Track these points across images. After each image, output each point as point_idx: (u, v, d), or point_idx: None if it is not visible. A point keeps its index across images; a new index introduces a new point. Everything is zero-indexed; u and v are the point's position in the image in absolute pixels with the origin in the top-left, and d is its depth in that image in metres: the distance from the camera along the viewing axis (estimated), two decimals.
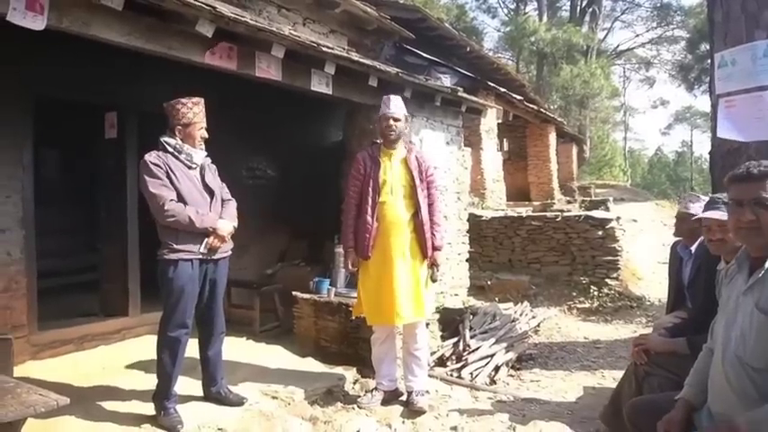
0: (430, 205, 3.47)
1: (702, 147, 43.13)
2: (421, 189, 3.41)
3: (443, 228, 3.59)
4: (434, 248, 3.45)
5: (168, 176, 2.88)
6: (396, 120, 3.39)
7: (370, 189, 3.36)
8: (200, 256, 2.94)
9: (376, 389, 3.50)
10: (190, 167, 2.99)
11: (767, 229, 1.66)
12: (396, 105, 3.42)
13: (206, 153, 3.08)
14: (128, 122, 4.49)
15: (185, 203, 2.88)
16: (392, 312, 3.29)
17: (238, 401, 3.18)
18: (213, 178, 3.12)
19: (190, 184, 2.96)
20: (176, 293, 2.88)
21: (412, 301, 3.33)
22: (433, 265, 3.46)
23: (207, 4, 2.75)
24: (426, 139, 4.96)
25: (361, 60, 3.93)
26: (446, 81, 7.18)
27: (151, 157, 2.90)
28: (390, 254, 3.34)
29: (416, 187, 3.39)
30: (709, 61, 4.04)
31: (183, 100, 2.96)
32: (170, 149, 2.94)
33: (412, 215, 3.40)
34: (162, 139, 2.98)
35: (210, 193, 3.06)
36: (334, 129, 6.48)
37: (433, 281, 3.50)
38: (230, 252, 3.16)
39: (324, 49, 3.53)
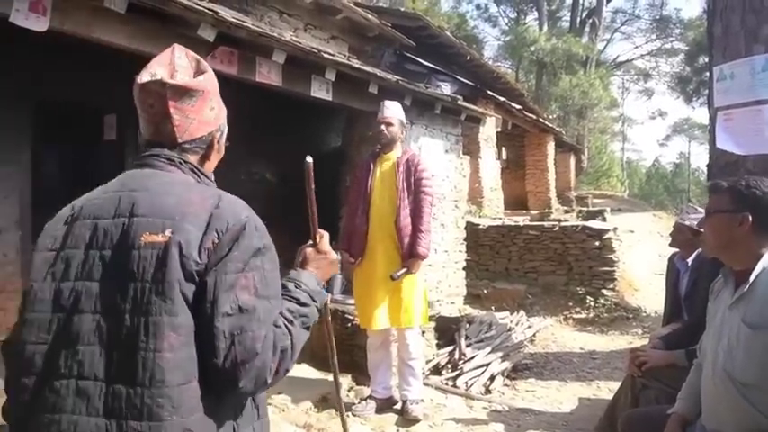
0: (416, 211, 3.35)
1: (700, 159, 43.27)
2: (406, 194, 3.36)
3: (428, 235, 3.38)
4: (414, 255, 3.30)
5: None
6: (388, 124, 3.39)
7: (362, 194, 3.44)
8: None
9: (371, 396, 3.49)
10: None
11: (705, 237, 1.81)
12: (389, 110, 3.41)
13: None
14: (127, 125, 4.49)
15: None
16: (374, 316, 3.32)
17: None
18: None
19: None
20: None
21: (391, 307, 3.33)
22: (405, 267, 3.29)
23: (209, 9, 2.76)
24: (425, 147, 4.97)
25: (361, 67, 3.94)
26: (446, 89, 7.20)
27: None
28: (375, 258, 3.38)
29: (398, 192, 3.37)
30: (707, 74, 4.06)
31: None
32: None
33: (393, 221, 3.39)
34: None
35: None
36: (334, 135, 6.49)
37: (391, 278, 3.27)
38: None
39: (324, 55, 3.54)
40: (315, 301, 1.19)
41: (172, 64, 1.12)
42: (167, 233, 0.98)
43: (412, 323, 3.40)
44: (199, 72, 1.15)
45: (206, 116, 1.15)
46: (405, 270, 3.29)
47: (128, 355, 0.94)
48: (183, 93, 1.10)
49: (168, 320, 0.95)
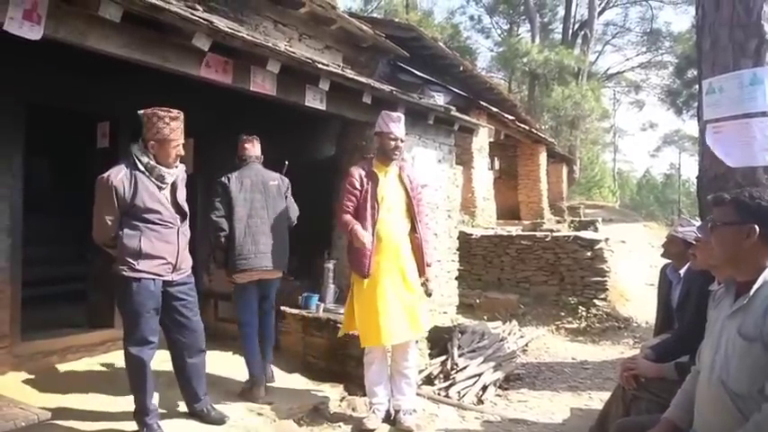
0: (423, 222, 3.51)
1: (690, 170, 43.60)
2: (415, 206, 3.44)
3: (432, 245, 3.66)
4: (428, 265, 3.50)
5: (134, 197, 2.76)
6: (402, 141, 3.44)
7: (368, 206, 3.31)
8: (163, 276, 2.85)
9: (377, 408, 3.40)
10: (160, 188, 2.87)
11: (715, 250, 1.78)
12: (403, 126, 3.46)
13: (177, 167, 2.96)
14: (120, 132, 4.47)
15: (152, 223, 2.81)
16: (390, 331, 3.21)
17: (220, 419, 3.12)
18: (182, 192, 3.01)
19: (160, 206, 2.85)
20: (139, 310, 2.79)
21: (408, 318, 3.30)
22: (427, 281, 3.50)
23: (204, 19, 2.77)
24: (418, 157, 4.98)
25: (355, 77, 3.96)
26: (439, 99, 7.23)
27: (117, 176, 2.75)
28: (388, 271, 3.30)
29: (413, 204, 3.41)
30: (696, 87, 4.11)
31: (161, 113, 2.81)
32: (141, 167, 2.81)
33: (409, 232, 3.42)
34: (134, 154, 2.84)
35: (182, 213, 2.96)
36: (327, 144, 6.49)
37: (428, 295, 3.52)
38: (190, 271, 3.07)
39: (319, 65, 3.55)
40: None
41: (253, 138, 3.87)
42: (277, 182, 3.79)
43: (424, 332, 3.57)
44: (259, 140, 3.88)
45: (258, 149, 3.84)
46: (428, 282, 3.51)
47: (273, 210, 3.72)
48: (257, 140, 3.88)
49: (281, 203, 3.78)
